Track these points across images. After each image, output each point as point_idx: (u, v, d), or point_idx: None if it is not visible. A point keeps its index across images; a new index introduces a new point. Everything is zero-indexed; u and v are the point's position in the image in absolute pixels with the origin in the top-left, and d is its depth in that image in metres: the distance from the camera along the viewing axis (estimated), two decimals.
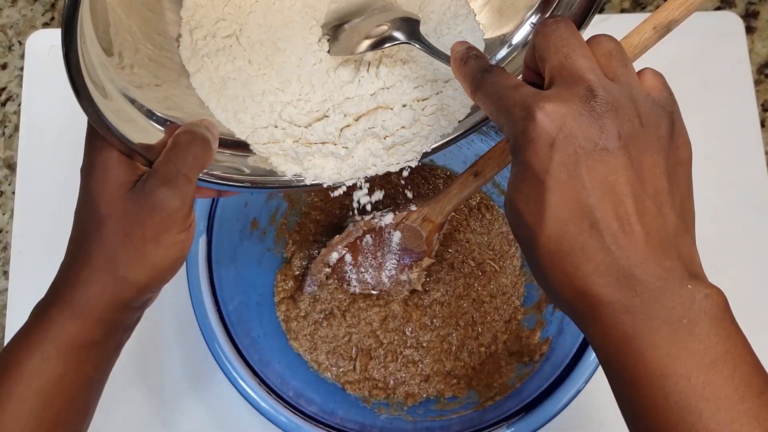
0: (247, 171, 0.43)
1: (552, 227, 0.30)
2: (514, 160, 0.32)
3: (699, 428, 0.27)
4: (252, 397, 0.46)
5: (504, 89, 0.32)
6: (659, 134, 0.31)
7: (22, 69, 0.66)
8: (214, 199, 0.49)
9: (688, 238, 0.31)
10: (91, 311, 0.36)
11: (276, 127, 0.41)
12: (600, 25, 0.65)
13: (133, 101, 0.37)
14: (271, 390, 0.47)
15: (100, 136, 0.35)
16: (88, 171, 0.36)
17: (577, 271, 0.30)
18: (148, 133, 0.38)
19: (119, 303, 0.37)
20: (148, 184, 0.35)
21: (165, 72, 0.40)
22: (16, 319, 0.59)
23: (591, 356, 0.46)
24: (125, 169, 0.36)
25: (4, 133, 0.65)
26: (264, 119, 0.41)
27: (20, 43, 0.67)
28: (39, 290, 0.59)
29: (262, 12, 0.40)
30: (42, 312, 0.38)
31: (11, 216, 0.62)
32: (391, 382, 0.55)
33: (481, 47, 0.43)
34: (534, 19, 0.45)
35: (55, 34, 0.66)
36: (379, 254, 0.54)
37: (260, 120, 0.41)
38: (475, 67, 0.34)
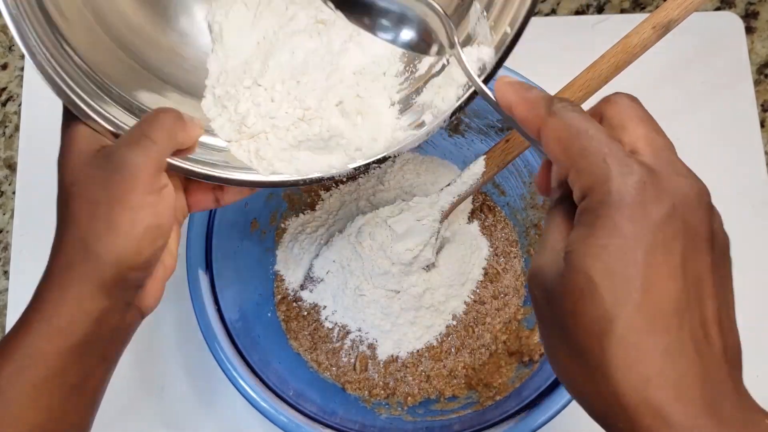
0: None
1: (639, 315, 0.24)
2: (586, 216, 0.26)
3: None
4: (252, 396, 0.46)
5: (596, 130, 0.27)
6: (724, 258, 0.27)
7: (22, 69, 0.66)
8: None
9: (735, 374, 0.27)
10: (68, 317, 0.33)
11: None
12: (600, 25, 0.66)
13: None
14: (271, 390, 0.47)
15: (72, 116, 0.35)
16: (60, 151, 0.36)
17: (658, 377, 0.24)
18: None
19: (100, 289, 0.33)
20: (110, 147, 0.34)
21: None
22: (16, 319, 0.59)
23: None
24: (90, 140, 0.35)
25: (4, 133, 0.65)
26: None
27: None
28: None
29: (282, 59, 0.40)
30: (29, 310, 0.35)
31: (11, 216, 0.62)
32: (391, 382, 0.55)
33: None
34: None
35: None
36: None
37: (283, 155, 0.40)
38: (542, 94, 0.30)
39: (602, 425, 0.26)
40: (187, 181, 0.39)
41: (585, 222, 0.26)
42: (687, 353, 0.24)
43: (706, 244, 0.26)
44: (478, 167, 0.48)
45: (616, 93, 0.30)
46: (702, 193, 0.27)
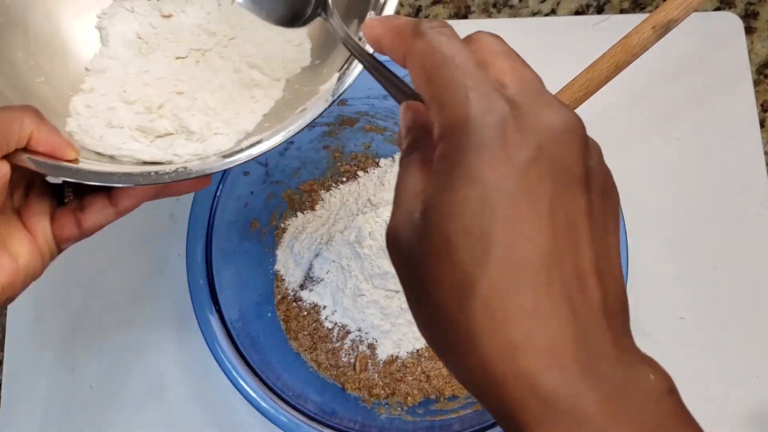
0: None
1: (501, 275, 0.21)
2: (443, 163, 0.23)
3: None
4: (252, 396, 0.46)
5: (457, 58, 0.24)
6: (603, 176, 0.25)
7: None
8: (213, 200, 0.49)
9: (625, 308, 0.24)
10: None
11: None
12: (600, 25, 0.66)
13: None
14: (271, 390, 0.47)
15: None
16: None
17: (526, 342, 0.21)
18: None
19: None
20: None
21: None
22: (16, 319, 0.59)
23: None
24: None
25: None
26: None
27: None
28: (39, 290, 0.59)
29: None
30: None
31: None
32: (391, 382, 0.55)
33: None
34: None
35: None
36: None
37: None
38: (411, 19, 0.27)
39: (479, 402, 0.23)
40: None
41: (443, 170, 0.23)
42: (558, 312, 0.21)
43: (579, 185, 0.23)
44: None
45: (478, 32, 0.26)
46: (573, 127, 0.23)
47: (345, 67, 0.37)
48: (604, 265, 0.23)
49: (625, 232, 0.48)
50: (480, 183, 0.22)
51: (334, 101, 0.37)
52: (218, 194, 0.49)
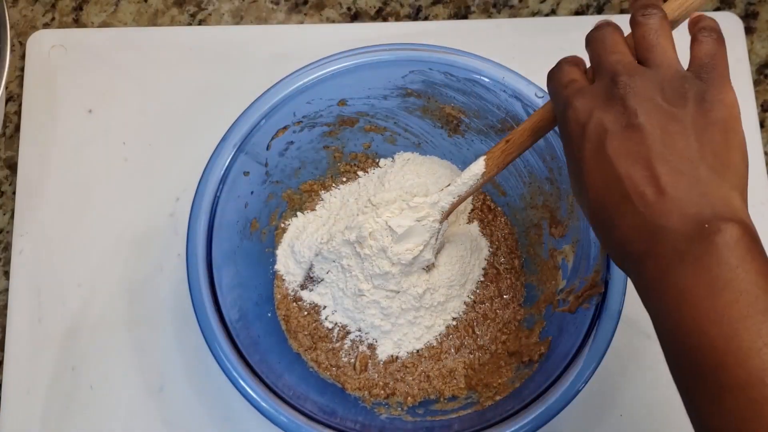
0: None
1: (592, 200, 0.36)
2: (564, 144, 0.39)
3: (704, 342, 0.31)
4: (252, 396, 0.46)
5: (558, 85, 0.40)
6: (684, 103, 0.35)
7: (22, 69, 0.66)
8: (214, 200, 0.49)
9: (724, 186, 0.34)
10: None
11: None
12: None
13: None
14: (271, 390, 0.47)
15: None
16: None
17: (615, 231, 0.35)
18: None
19: None
20: None
21: None
22: (16, 319, 0.59)
23: (591, 356, 0.46)
24: None
25: (4, 134, 0.65)
26: None
27: (21, 43, 0.67)
28: (39, 290, 0.59)
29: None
30: None
31: (11, 216, 0.62)
32: (391, 382, 0.55)
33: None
34: None
35: (55, 35, 0.66)
36: None
37: None
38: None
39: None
40: None
41: (565, 147, 0.40)
42: (631, 210, 0.34)
43: (634, 119, 0.35)
44: (478, 167, 0.48)
45: (592, 31, 0.42)
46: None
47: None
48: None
49: None
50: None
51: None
52: (218, 194, 0.49)
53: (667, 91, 0.35)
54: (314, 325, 0.56)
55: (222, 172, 0.50)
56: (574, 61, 0.41)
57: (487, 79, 0.52)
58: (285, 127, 0.53)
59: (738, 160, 0.36)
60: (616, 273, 0.47)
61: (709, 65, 0.36)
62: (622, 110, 0.35)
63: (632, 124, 0.34)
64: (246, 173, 0.52)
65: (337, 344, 0.56)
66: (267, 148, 0.53)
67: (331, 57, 0.52)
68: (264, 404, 0.46)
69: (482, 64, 0.52)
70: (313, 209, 0.58)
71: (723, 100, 0.36)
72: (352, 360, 0.55)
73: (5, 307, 0.60)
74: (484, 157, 0.47)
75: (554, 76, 0.41)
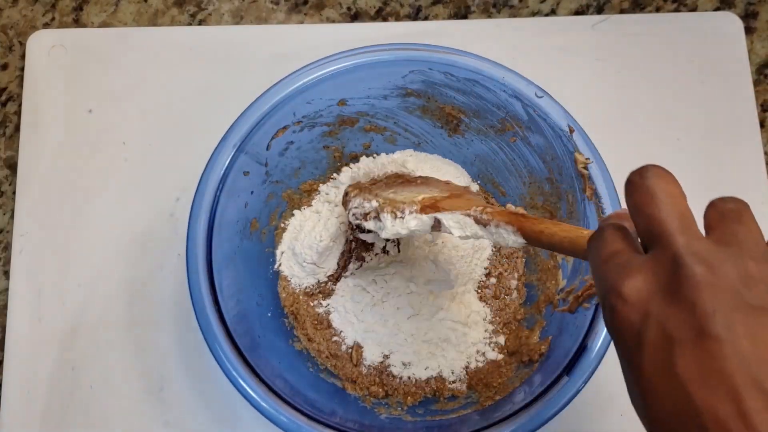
0: None
1: (662, 427, 0.26)
2: (613, 339, 0.28)
3: None
4: (252, 396, 0.46)
5: (598, 259, 0.29)
6: None
7: (22, 69, 0.66)
8: (214, 200, 0.49)
9: None
10: None
11: None
12: (600, 25, 0.66)
13: None
14: (271, 390, 0.47)
15: None
16: None
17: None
18: None
19: None
20: None
21: None
22: (16, 319, 0.59)
23: (591, 356, 0.46)
24: None
25: (4, 133, 0.65)
26: None
27: (21, 43, 0.67)
28: (39, 290, 0.59)
29: None
30: None
31: (11, 216, 0.62)
32: (387, 378, 0.55)
33: None
34: None
35: (55, 35, 0.66)
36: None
37: None
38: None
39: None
40: None
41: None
42: None
43: (712, 324, 0.25)
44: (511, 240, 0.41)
45: (633, 175, 0.31)
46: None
47: None
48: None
49: None
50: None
51: None
52: (218, 194, 0.49)
53: (754, 281, 0.25)
54: (315, 325, 0.56)
55: (222, 172, 0.49)
56: (617, 225, 0.30)
57: (487, 79, 0.52)
58: (285, 127, 0.53)
59: None
60: None
61: None
62: (691, 310, 0.25)
63: (708, 332, 0.24)
64: (246, 173, 0.52)
65: (335, 342, 0.56)
66: (267, 148, 0.53)
67: (331, 57, 0.52)
68: (264, 404, 0.46)
69: (482, 63, 0.52)
70: (310, 204, 0.59)
71: None
72: (350, 351, 0.55)
73: (5, 307, 0.60)
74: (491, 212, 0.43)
75: (593, 245, 0.30)
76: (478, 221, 0.42)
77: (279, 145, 0.54)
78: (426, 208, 0.43)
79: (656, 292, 0.26)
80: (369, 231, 0.49)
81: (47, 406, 0.57)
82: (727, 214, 0.28)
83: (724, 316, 0.24)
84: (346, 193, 0.51)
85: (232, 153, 0.50)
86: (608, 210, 0.48)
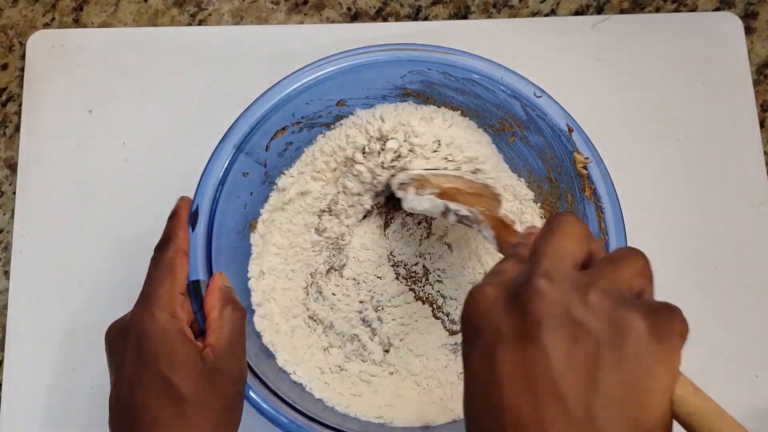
0: None
1: (472, 422, 0.27)
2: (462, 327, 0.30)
3: None
4: (252, 398, 0.46)
5: (491, 270, 0.31)
6: (606, 324, 0.26)
7: (22, 69, 0.66)
8: (213, 201, 0.49)
9: None
10: None
11: None
12: (600, 25, 0.66)
13: None
14: (270, 390, 0.47)
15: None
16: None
17: None
18: None
19: None
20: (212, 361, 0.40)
21: None
22: (16, 319, 0.59)
23: None
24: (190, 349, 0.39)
25: (4, 134, 0.65)
26: None
27: (21, 43, 0.67)
28: (39, 290, 0.59)
29: None
30: None
31: (11, 216, 0.62)
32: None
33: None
34: None
35: (55, 35, 0.66)
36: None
37: None
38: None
39: None
40: None
41: None
42: None
43: (535, 330, 0.26)
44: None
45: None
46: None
47: None
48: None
49: (625, 233, 0.48)
50: None
51: None
52: (218, 195, 0.49)
53: (590, 305, 0.26)
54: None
55: (221, 173, 0.49)
56: (519, 255, 0.32)
57: (485, 79, 0.52)
58: (284, 128, 0.53)
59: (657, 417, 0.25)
60: None
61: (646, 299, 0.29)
62: (523, 313, 0.26)
63: (530, 337, 0.26)
64: (245, 174, 0.52)
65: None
66: (266, 149, 0.53)
67: (330, 57, 0.52)
68: (265, 405, 0.46)
69: (481, 63, 0.52)
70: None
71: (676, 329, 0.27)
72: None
73: (5, 307, 0.60)
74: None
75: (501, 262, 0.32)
76: (475, 219, 0.45)
77: (278, 146, 0.54)
78: (444, 194, 0.47)
79: (504, 297, 0.27)
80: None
81: (47, 406, 0.57)
82: (614, 255, 0.29)
83: (548, 326, 0.25)
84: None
85: (232, 154, 0.50)
86: (607, 209, 0.48)
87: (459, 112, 0.54)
